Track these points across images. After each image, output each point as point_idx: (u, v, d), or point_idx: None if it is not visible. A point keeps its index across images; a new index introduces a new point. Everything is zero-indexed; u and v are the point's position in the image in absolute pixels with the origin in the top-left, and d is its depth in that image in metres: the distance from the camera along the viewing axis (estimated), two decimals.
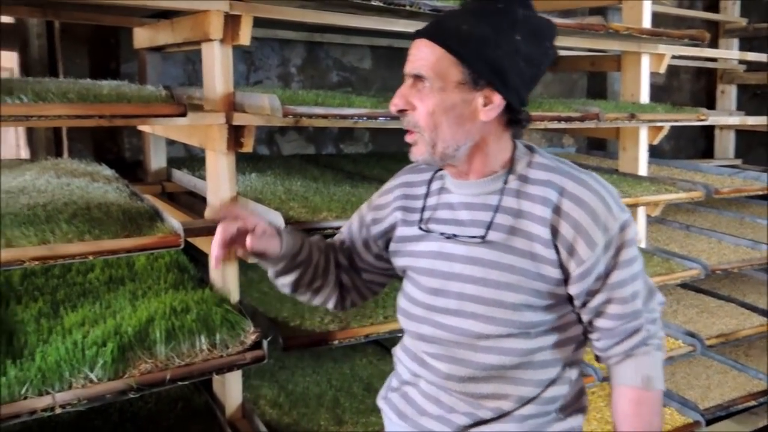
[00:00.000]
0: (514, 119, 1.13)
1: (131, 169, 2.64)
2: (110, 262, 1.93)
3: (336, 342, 1.81)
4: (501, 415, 1.14)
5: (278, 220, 1.66)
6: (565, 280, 1.10)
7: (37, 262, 1.38)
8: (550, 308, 1.11)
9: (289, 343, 1.73)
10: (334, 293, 1.34)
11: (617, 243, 1.09)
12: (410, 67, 1.09)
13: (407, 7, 1.80)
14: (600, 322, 1.14)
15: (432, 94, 1.07)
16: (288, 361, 2.23)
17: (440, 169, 1.22)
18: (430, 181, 1.24)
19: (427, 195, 1.22)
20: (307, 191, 2.06)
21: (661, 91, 4.47)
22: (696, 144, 4.83)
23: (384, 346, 2.45)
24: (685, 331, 2.69)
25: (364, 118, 1.82)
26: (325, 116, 1.75)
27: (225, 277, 1.84)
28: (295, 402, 1.99)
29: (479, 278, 1.11)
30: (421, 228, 1.19)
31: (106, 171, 2.20)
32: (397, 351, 1.28)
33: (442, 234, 1.16)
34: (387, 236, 1.29)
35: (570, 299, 1.13)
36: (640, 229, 2.84)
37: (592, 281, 1.09)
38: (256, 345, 1.62)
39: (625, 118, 2.44)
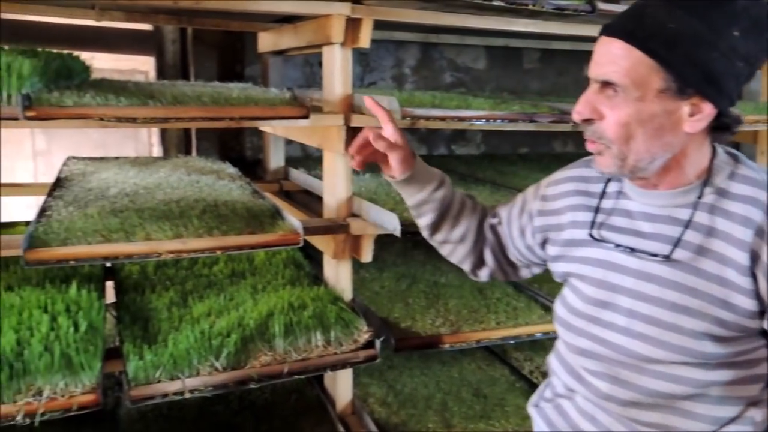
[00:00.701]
0: (720, 125, 0.98)
1: (251, 167, 2.77)
2: (232, 256, 2.03)
3: (447, 346, 1.79)
4: None
5: (394, 222, 1.67)
6: (761, 312, 0.95)
7: (171, 255, 1.47)
8: (734, 341, 0.97)
9: (401, 345, 1.74)
10: (471, 257, 1.28)
11: None
12: (598, 71, 0.95)
13: (530, 6, 1.75)
14: None
15: (626, 104, 0.93)
16: (396, 361, 2.24)
17: None
18: (608, 181, 1.10)
19: (602, 196, 1.09)
20: None
21: None
22: None
23: (493, 351, 2.40)
24: None
25: (483, 120, 1.79)
26: (443, 118, 1.74)
27: (338, 276, 1.88)
28: (403, 402, 2.00)
29: (655, 298, 0.99)
30: (592, 234, 1.07)
31: (230, 169, 2.31)
32: (552, 361, 1.19)
33: (618, 245, 1.03)
34: (547, 234, 1.17)
35: (764, 333, 0.98)
36: None
37: None
38: (369, 344, 1.64)
39: (765, 120, 2.24)
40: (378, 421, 1.88)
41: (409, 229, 1.67)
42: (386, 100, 1.70)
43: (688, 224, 0.98)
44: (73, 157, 2.42)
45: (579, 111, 0.98)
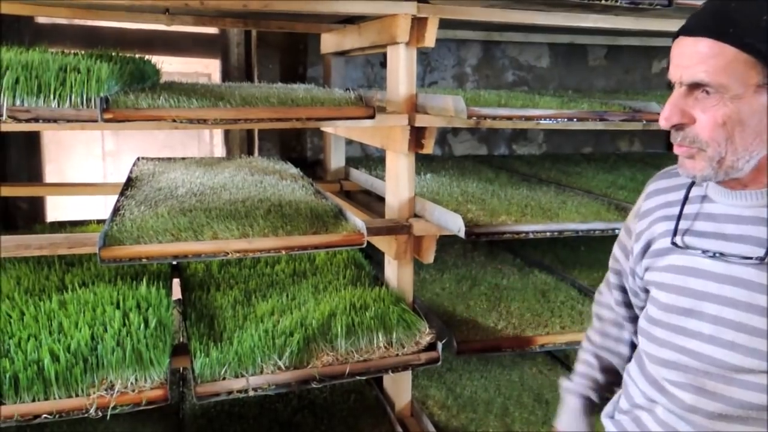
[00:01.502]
0: None
1: (312, 167, 2.80)
2: (294, 255, 2.05)
3: (510, 350, 1.76)
4: None
5: (458, 222, 1.64)
6: None
7: (238, 254, 1.50)
8: None
9: (463, 348, 1.71)
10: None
11: None
12: (685, 73, 0.91)
13: (602, 2, 1.69)
14: None
15: (722, 103, 0.90)
16: (455, 364, 2.21)
17: None
18: (690, 186, 1.06)
19: (685, 201, 1.05)
20: (483, 193, 2.03)
21: None
22: None
23: (555, 356, 2.34)
24: None
25: (550, 119, 1.74)
26: (509, 118, 1.70)
27: (400, 277, 1.87)
28: (463, 406, 1.97)
29: (743, 302, 0.94)
30: (674, 241, 1.03)
31: (292, 169, 2.34)
32: (631, 370, 1.15)
33: (704, 251, 0.99)
34: (642, 258, 1.11)
35: None
36: None
37: None
38: (431, 346, 1.62)
39: None
40: (437, 424, 1.86)
41: (473, 230, 1.65)
42: (452, 99, 1.68)
43: None
44: (143, 158, 2.50)
45: (667, 117, 0.93)
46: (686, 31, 0.92)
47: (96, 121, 1.39)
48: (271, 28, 2.46)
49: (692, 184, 1.06)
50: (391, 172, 1.92)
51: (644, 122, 1.86)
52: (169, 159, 2.54)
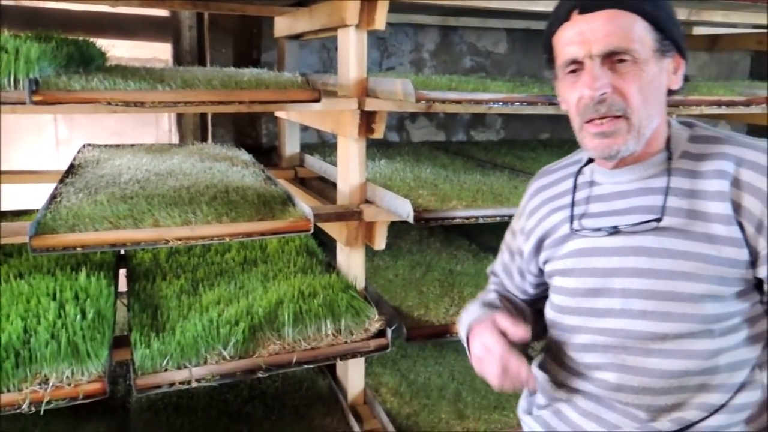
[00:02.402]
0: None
1: (267, 153, 2.74)
2: (245, 243, 2.01)
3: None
4: (683, 428, 1.00)
5: (407, 208, 1.62)
6: (752, 261, 0.95)
7: (180, 242, 1.45)
8: (736, 297, 0.97)
9: (413, 334, 1.70)
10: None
11: None
12: (596, 46, 0.93)
13: None
14: None
15: (637, 69, 0.93)
16: (410, 350, 2.21)
17: (589, 163, 1.09)
18: (576, 175, 1.10)
19: (575, 189, 1.09)
20: (436, 179, 2.01)
21: None
22: None
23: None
24: None
25: (500, 103, 1.73)
26: (458, 101, 1.68)
27: (351, 263, 1.85)
28: (416, 392, 1.97)
29: (647, 270, 0.97)
30: (572, 227, 1.06)
31: (245, 156, 2.29)
32: (546, 365, 1.14)
33: (599, 229, 1.02)
34: (540, 245, 1.14)
35: (758, 287, 0.98)
36: None
37: None
38: (380, 333, 1.61)
39: None
40: (390, 411, 1.85)
41: (423, 215, 1.63)
42: (401, 82, 1.65)
43: (667, 190, 0.98)
44: (89, 145, 2.42)
45: (598, 87, 0.94)
46: (584, 9, 0.95)
47: (24, 103, 1.33)
48: (222, 10, 2.39)
49: (578, 172, 1.10)
50: (342, 158, 1.89)
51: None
52: (117, 146, 2.46)
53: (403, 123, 3.10)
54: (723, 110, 2.02)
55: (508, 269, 1.24)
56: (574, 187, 1.09)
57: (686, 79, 1.03)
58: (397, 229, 2.46)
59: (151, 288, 1.73)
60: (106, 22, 2.88)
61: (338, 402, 1.87)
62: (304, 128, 2.69)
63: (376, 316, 1.63)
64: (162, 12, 2.94)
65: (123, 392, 1.89)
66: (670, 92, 1.01)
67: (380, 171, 2.11)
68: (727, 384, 0.98)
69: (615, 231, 1.00)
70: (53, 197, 1.61)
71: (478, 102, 1.70)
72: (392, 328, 1.63)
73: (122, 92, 1.41)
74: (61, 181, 1.78)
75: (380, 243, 1.82)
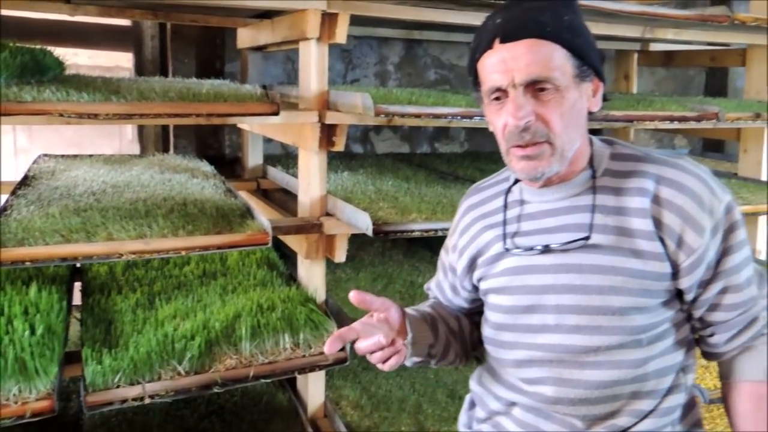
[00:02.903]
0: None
1: (230, 165, 2.73)
2: (205, 256, 1.99)
3: None
4: None
5: (366, 221, 1.63)
6: (674, 273, 1.00)
7: (133, 256, 1.43)
8: (661, 307, 1.02)
9: None
10: (459, 357, 1.21)
11: (725, 226, 1.00)
12: (518, 75, 0.95)
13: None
14: (715, 316, 1.03)
15: (558, 96, 0.97)
16: (371, 363, 2.20)
17: (516, 182, 1.11)
18: (506, 194, 1.12)
19: (506, 207, 1.11)
20: (397, 191, 2.02)
21: None
22: None
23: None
24: None
25: (459, 117, 1.75)
26: (418, 115, 1.70)
27: (312, 276, 1.84)
28: (377, 405, 1.96)
29: (578, 286, 1.01)
30: (506, 246, 1.08)
31: (206, 167, 2.27)
32: (483, 381, 1.16)
33: (533, 248, 1.05)
34: (473, 263, 1.15)
35: (680, 296, 1.03)
36: (760, 239, 2.59)
37: (703, 271, 1.00)
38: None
39: (748, 118, 2.22)
40: (350, 425, 1.84)
41: (382, 228, 1.64)
42: (360, 96, 1.66)
43: (594, 208, 1.02)
44: (45, 155, 2.37)
45: (522, 117, 0.96)
46: (505, 38, 0.97)
47: None
48: (183, 21, 2.37)
49: (508, 191, 1.13)
50: (303, 170, 1.89)
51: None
52: (75, 156, 2.42)
53: (367, 135, 3.12)
54: (675, 125, 2.08)
55: (441, 285, 1.25)
56: (505, 206, 1.11)
57: (605, 98, 1.07)
58: (360, 241, 2.46)
59: (106, 302, 1.69)
60: (65, 30, 2.83)
61: (298, 416, 1.85)
62: (268, 139, 2.68)
63: (335, 329, 1.62)
64: (124, 21, 2.91)
65: (76, 409, 1.85)
66: (591, 113, 1.05)
67: (342, 183, 2.11)
68: (656, 390, 1.02)
69: (546, 249, 1.04)
70: (3, 210, 1.57)
71: (437, 116, 1.72)
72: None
73: (75, 104, 1.39)
74: (13, 192, 1.74)
75: (340, 256, 1.82)
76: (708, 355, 1.08)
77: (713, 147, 3.84)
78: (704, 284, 1.01)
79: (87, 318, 1.59)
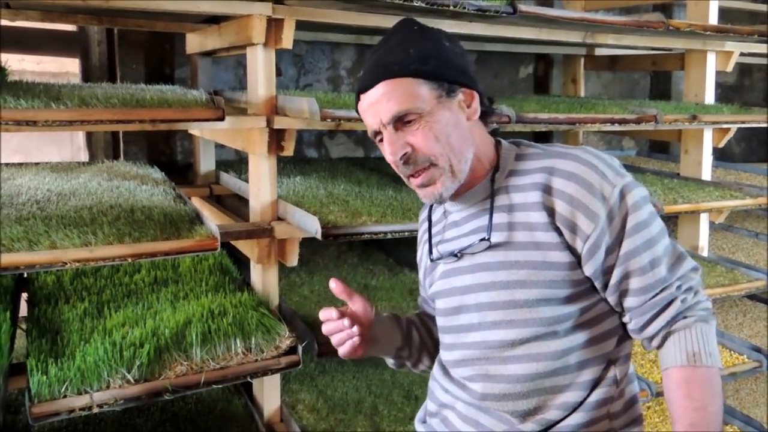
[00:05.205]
0: (484, 112, 1.12)
1: (182, 171, 2.70)
2: (156, 263, 1.97)
3: None
4: (547, 427, 1.07)
5: (315, 224, 1.64)
6: (578, 262, 1.04)
7: (77, 264, 1.41)
8: (570, 299, 1.05)
9: (324, 349, 1.71)
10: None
11: (621, 210, 1.02)
12: (383, 115, 1.03)
13: (451, 8, 1.75)
14: (627, 301, 1.05)
15: (424, 122, 1.03)
16: (328, 366, 2.21)
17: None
18: (430, 210, 1.23)
19: (430, 224, 1.22)
20: (348, 195, 2.04)
21: (731, 91, 4.22)
22: None
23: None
24: (750, 345, 2.52)
25: None
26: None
27: (265, 281, 1.84)
28: (332, 408, 1.97)
29: (489, 283, 1.07)
30: (431, 256, 1.18)
31: (156, 174, 2.25)
32: (435, 375, 1.23)
33: (453, 253, 1.13)
34: (425, 280, 1.26)
35: (593, 286, 1.06)
36: (701, 236, 2.69)
37: (603, 256, 1.02)
38: (292, 350, 1.61)
39: (685, 119, 2.31)
40: (306, 428, 1.85)
41: (331, 231, 1.65)
42: (306, 101, 1.68)
43: (492, 209, 1.07)
44: None
45: (393, 152, 1.04)
46: (363, 88, 1.06)
47: None
48: (129, 26, 2.35)
49: (431, 207, 1.23)
50: (254, 176, 1.89)
51: (498, 125, 1.95)
52: (20, 164, 2.36)
53: (321, 139, 3.13)
54: (616, 127, 2.16)
55: (420, 297, 1.36)
56: (430, 220, 1.22)
57: (491, 101, 1.13)
58: (314, 245, 2.47)
59: (53, 312, 1.66)
60: (7, 36, 2.76)
61: (254, 421, 1.85)
62: (222, 145, 2.66)
63: (287, 333, 1.63)
64: (69, 27, 2.85)
65: (26, 422, 1.81)
66: (487, 122, 1.13)
67: (294, 188, 2.12)
68: (578, 382, 1.05)
69: (460, 254, 1.11)
70: None
71: None
72: (303, 344, 1.64)
73: (12, 111, 1.37)
74: None
75: (292, 260, 1.83)
76: (643, 344, 1.10)
77: (659, 148, 3.98)
78: (607, 270, 1.03)
79: (32, 328, 1.56)
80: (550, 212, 1.03)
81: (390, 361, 1.28)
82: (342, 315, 1.08)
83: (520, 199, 1.06)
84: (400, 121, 1.03)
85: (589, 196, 1.01)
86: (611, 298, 1.07)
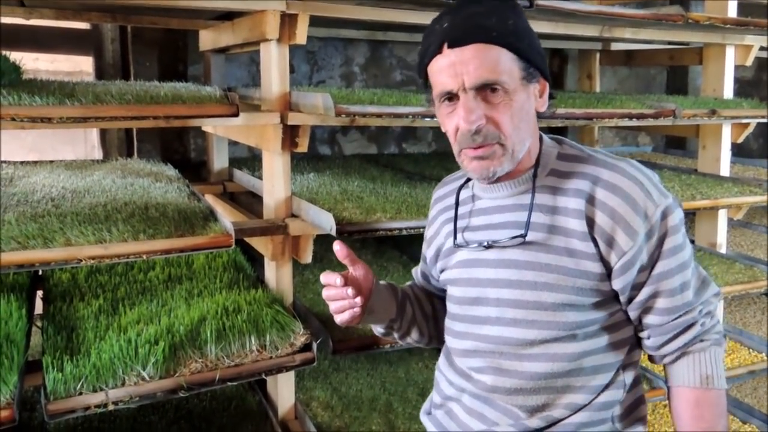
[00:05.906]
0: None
1: (196, 169, 2.70)
2: (170, 260, 1.97)
3: (387, 347, 1.77)
4: (551, 424, 1.07)
5: (330, 221, 1.63)
6: (608, 274, 1.02)
7: (92, 261, 1.41)
8: (595, 307, 1.04)
9: (339, 347, 1.70)
10: (424, 339, 1.28)
11: (660, 231, 1.01)
12: (469, 79, 0.97)
13: None
14: (649, 319, 1.05)
15: (507, 98, 0.99)
16: (342, 364, 2.21)
17: (469, 179, 1.15)
18: (459, 190, 1.17)
19: (457, 204, 1.15)
20: (363, 191, 2.03)
21: (749, 86, 4.16)
22: None
23: (440, 349, 2.38)
24: None
25: (421, 116, 1.76)
26: (379, 115, 1.71)
27: (279, 278, 1.84)
28: (347, 405, 1.96)
29: (515, 281, 1.04)
30: (455, 240, 1.13)
31: (170, 171, 2.25)
32: (441, 366, 1.22)
33: (479, 243, 1.09)
34: (436, 262, 1.21)
35: (617, 296, 1.05)
36: (720, 233, 2.65)
37: (635, 273, 1.02)
38: (306, 347, 1.60)
39: (704, 114, 2.27)
40: (320, 425, 1.84)
41: (346, 228, 1.64)
42: (321, 96, 1.66)
43: (531, 207, 1.04)
44: (3, 162, 2.32)
45: (473, 120, 0.98)
46: (453, 43, 0.98)
47: None
48: (143, 23, 2.35)
49: (461, 187, 1.17)
50: (267, 172, 1.89)
51: None
52: (35, 162, 2.37)
53: (334, 136, 3.12)
54: (634, 122, 2.13)
55: (418, 272, 1.33)
56: (457, 203, 1.15)
57: (552, 96, 1.09)
58: (329, 242, 2.45)
59: (68, 309, 1.67)
60: (22, 35, 2.77)
61: (268, 418, 1.85)
62: (234, 142, 2.66)
63: (302, 330, 1.62)
64: (83, 25, 2.86)
65: (41, 419, 1.81)
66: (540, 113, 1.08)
67: (308, 184, 2.11)
68: (589, 386, 1.05)
69: (490, 245, 1.07)
70: None
71: (398, 115, 1.73)
72: (318, 341, 1.63)
73: (27, 108, 1.37)
74: None
75: (306, 257, 1.82)
76: (649, 358, 1.12)
77: (675, 144, 3.93)
78: (637, 287, 1.03)
79: (48, 326, 1.57)
80: (590, 222, 1.01)
81: (378, 330, 1.24)
82: (345, 281, 1.06)
83: (561, 203, 1.03)
84: (482, 90, 0.98)
85: (631, 212, 1.00)
86: (633, 313, 1.06)
